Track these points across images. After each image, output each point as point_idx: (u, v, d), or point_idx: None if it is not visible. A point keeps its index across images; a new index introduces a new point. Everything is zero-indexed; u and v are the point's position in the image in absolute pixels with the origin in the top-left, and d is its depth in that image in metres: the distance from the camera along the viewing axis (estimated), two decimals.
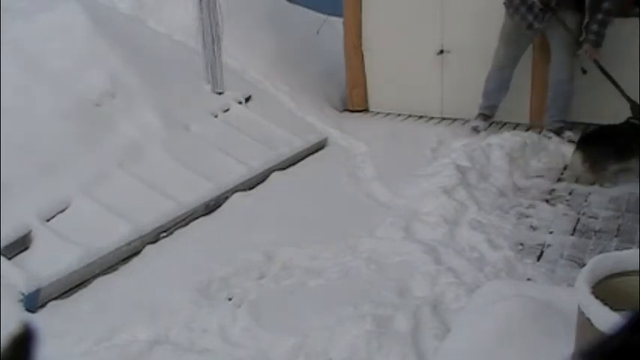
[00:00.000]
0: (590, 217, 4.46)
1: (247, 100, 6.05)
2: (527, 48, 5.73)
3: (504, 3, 5.60)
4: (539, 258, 3.96)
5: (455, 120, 6.37)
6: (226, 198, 4.82)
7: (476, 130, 5.87)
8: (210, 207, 4.71)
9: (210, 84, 5.97)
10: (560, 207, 4.58)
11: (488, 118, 5.95)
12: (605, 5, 5.19)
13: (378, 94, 6.72)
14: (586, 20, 5.33)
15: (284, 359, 3.08)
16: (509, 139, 5.35)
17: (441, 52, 6.30)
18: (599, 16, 5.22)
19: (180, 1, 6.50)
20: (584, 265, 2.15)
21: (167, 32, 6.50)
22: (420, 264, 3.77)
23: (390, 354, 3.00)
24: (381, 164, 5.35)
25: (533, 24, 5.47)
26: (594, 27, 5.26)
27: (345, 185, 5.08)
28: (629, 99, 5.14)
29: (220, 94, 5.96)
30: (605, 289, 1.97)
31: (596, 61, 5.34)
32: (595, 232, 4.26)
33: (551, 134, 5.62)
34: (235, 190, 4.90)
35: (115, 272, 4.01)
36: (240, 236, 4.26)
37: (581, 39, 5.36)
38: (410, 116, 6.60)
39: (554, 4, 5.35)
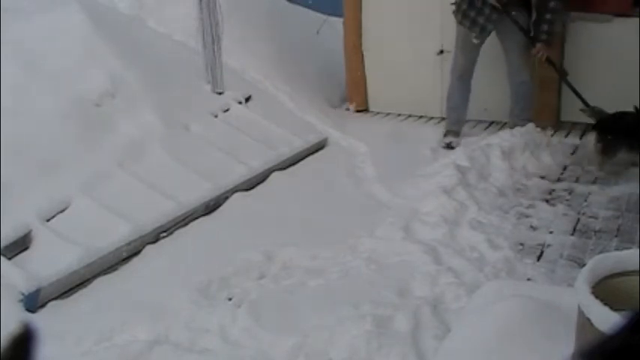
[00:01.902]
0: (590, 217, 4.45)
1: (247, 100, 6.05)
2: (480, 52, 5.65)
3: (453, 12, 5.56)
4: (539, 258, 3.96)
5: None
6: (226, 198, 4.81)
7: (450, 146, 5.66)
8: (210, 207, 4.71)
9: (210, 84, 5.97)
10: (560, 207, 4.58)
11: (458, 134, 5.83)
12: (552, 4, 5.22)
13: (378, 94, 6.71)
14: (533, 18, 5.32)
15: (284, 359, 3.08)
16: (509, 139, 5.34)
17: (441, 52, 6.29)
18: (548, 16, 5.27)
19: (181, 1, 6.50)
20: (584, 265, 2.14)
21: (167, 32, 6.50)
22: (420, 264, 3.77)
23: (390, 354, 3.00)
24: (381, 164, 5.34)
25: (487, 26, 5.42)
26: (544, 27, 5.30)
27: (345, 185, 5.07)
28: (584, 101, 5.30)
29: (220, 94, 5.95)
30: (605, 289, 1.97)
31: (549, 60, 5.43)
32: (595, 232, 4.26)
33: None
34: (235, 190, 4.90)
35: (115, 272, 4.00)
36: (240, 236, 4.25)
37: (533, 36, 5.37)
38: (410, 116, 6.60)
39: (505, 3, 5.31)
